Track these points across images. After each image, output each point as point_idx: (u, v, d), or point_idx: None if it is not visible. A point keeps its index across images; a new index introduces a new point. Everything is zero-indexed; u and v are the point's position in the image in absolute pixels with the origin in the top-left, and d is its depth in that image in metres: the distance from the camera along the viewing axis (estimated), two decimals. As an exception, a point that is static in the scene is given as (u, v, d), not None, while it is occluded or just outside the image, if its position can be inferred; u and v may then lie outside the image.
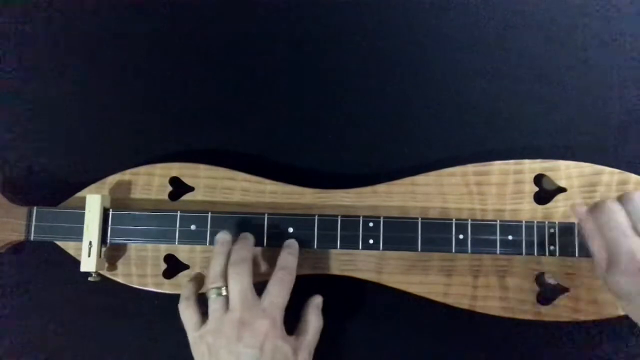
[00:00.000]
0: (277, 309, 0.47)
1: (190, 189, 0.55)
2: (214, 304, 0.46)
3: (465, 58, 0.59)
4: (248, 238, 0.50)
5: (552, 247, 0.51)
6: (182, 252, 0.54)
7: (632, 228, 0.44)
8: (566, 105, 0.59)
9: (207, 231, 0.51)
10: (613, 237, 0.44)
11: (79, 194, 0.54)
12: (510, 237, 0.51)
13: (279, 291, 0.47)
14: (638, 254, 0.43)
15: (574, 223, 0.51)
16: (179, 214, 0.52)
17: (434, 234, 0.51)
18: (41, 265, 0.58)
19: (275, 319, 0.46)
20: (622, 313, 0.51)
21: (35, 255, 0.58)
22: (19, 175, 0.59)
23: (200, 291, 0.49)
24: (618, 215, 0.45)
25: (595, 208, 0.47)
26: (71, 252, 0.54)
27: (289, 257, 0.50)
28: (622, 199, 0.46)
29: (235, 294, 0.46)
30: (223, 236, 0.50)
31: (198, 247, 0.53)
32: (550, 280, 0.53)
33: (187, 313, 0.48)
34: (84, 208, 0.52)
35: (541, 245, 0.51)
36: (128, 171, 0.55)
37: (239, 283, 0.46)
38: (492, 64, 0.59)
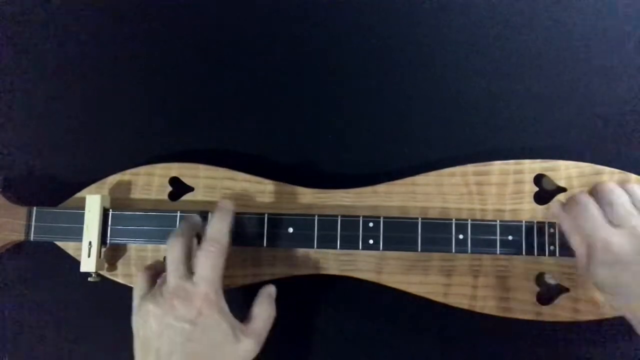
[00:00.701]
0: (208, 282, 0.44)
1: (190, 189, 0.55)
2: (160, 279, 0.47)
3: (465, 58, 0.59)
4: (190, 217, 0.50)
5: (552, 247, 0.51)
6: (182, 252, 0.54)
7: (604, 218, 0.45)
8: (566, 105, 0.59)
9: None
10: (588, 228, 0.45)
11: (79, 194, 0.54)
12: (510, 237, 0.51)
13: (206, 265, 0.45)
14: (612, 244, 0.44)
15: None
16: (179, 214, 0.52)
17: (434, 234, 0.51)
18: (41, 265, 0.58)
19: (208, 293, 0.44)
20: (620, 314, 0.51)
21: (35, 255, 0.58)
22: (19, 175, 0.59)
23: None
24: (590, 207, 0.46)
25: (568, 204, 0.48)
26: (71, 252, 0.54)
27: (216, 224, 0.48)
28: (593, 191, 0.47)
29: (169, 265, 0.45)
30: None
31: (198, 247, 0.53)
32: (551, 280, 0.53)
33: (138, 279, 0.48)
34: (84, 208, 0.52)
35: (541, 245, 0.51)
36: (128, 171, 0.55)
37: (172, 253, 0.46)
38: (492, 64, 0.59)
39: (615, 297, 0.44)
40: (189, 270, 0.45)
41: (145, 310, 0.45)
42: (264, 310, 0.48)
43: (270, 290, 0.50)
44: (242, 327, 0.46)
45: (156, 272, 0.49)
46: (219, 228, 0.47)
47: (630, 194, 0.48)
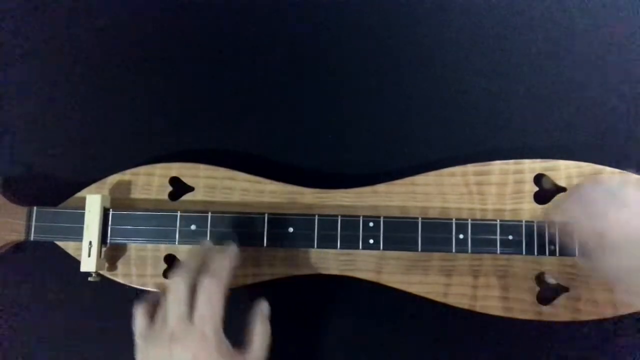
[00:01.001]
0: (206, 322, 0.43)
1: (190, 189, 0.55)
2: (159, 313, 0.45)
3: (465, 58, 0.59)
4: (202, 248, 0.49)
5: (552, 247, 0.51)
6: (182, 252, 0.54)
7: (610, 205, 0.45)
8: (566, 105, 0.59)
9: (207, 231, 0.51)
10: (598, 217, 0.45)
11: (79, 194, 0.54)
12: (510, 237, 0.51)
13: (205, 303, 0.43)
14: (627, 225, 0.43)
15: (574, 223, 0.52)
16: (179, 214, 0.52)
17: (434, 234, 0.51)
18: (41, 265, 0.58)
19: (206, 333, 0.42)
20: (621, 313, 0.51)
21: (35, 255, 0.58)
22: (19, 175, 0.59)
23: None
24: (595, 196, 0.46)
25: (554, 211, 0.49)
26: (71, 252, 0.54)
27: (217, 260, 0.46)
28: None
29: (170, 305, 0.44)
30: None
31: (198, 247, 0.53)
32: (550, 280, 0.53)
33: (137, 318, 0.46)
34: (84, 208, 0.52)
35: (541, 245, 0.51)
36: (128, 171, 0.55)
37: (173, 293, 0.44)
38: (492, 64, 0.59)
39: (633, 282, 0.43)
40: (190, 307, 0.44)
41: (146, 353, 0.44)
42: (261, 333, 0.47)
43: (264, 308, 0.48)
44: (243, 359, 0.44)
45: (152, 305, 0.47)
46: (218, 264, 0.46)
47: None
